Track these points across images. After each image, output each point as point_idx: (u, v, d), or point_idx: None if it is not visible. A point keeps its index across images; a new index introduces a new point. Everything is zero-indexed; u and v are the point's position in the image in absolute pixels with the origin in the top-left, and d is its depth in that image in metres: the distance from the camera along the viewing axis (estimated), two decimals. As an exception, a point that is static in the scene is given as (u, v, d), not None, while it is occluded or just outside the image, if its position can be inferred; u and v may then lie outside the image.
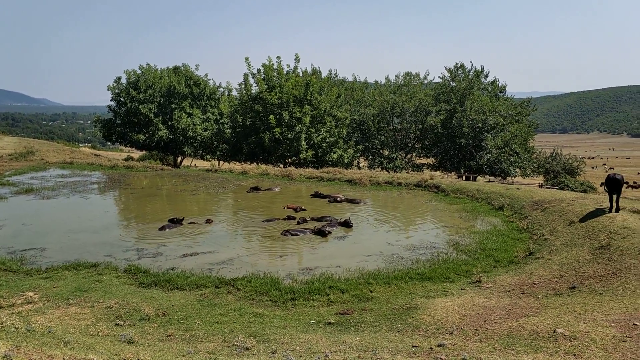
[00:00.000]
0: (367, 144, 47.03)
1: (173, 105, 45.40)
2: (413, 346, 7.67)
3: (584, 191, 37.52)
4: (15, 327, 7.06)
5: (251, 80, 42.06)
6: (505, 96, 50.83)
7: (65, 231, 17.11)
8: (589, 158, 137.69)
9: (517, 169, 46.13)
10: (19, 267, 13.09)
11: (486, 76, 50.22)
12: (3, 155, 36.53)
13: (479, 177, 44.02)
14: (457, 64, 49.64)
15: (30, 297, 10.60)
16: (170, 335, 8.65)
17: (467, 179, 39.44)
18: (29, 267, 13.10)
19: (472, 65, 49.60)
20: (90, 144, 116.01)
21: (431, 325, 8.89)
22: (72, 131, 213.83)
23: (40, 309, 9.95)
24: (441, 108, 47.22)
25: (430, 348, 7.50)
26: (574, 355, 6.71)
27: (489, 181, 39.95)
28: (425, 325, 8.95)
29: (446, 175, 34.83)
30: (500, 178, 45.55)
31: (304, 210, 20.33)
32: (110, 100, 46.69)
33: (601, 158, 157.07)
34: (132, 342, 7.83)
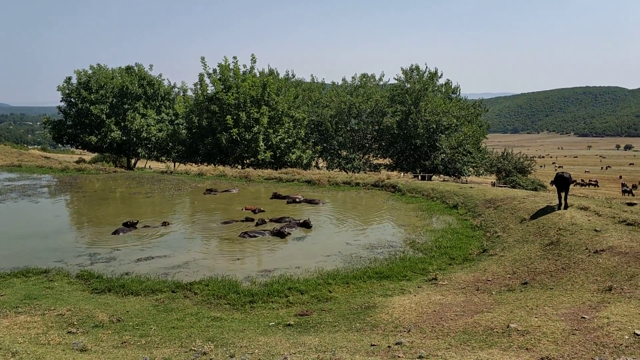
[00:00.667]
0: (325, 144, 47.25)
1: (126, 106, 44.30)
2: (371, 345, 7.74)
3: (535, 189, 38.90)
4: (-43, 339, 6.72)
5: (207, 80, 41.63)
6: (458, 97, 52.10)
7: (13, 237, 16.40)
8: (539, 157, 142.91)
9: (471, 169, 47.37)
10: (-37, 275, 12.47)
11: (440, 77, 51.35)
12: (-56, 159, 34.78)
13: (434, 177, 44.93)
14: (412, 65, 50.59)
15: (-25, 307, 10.11)
16: (125, 342, 8.43)
17: (423, 178, 40.20)
18: (-27, 276, 12.49)
19: (426, 67, 50.66)
20: (40, 146, 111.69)
21: (389, 324, 8.99)
22: (21, 133, 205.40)
23: (-14, 318, 9.50)
24: (397, 109, 47.97)
25: (389, 346, 7.59)
26: (527, 349, 6.93)
27: (444, 180, 40.83)
28: (384, 323, 9.04)
29: (402, 175, 35.42)
30: (454, 177, 46.64)
31: (263, 211, 20.23)
32: (61, 101, 45.20)
33: (551, 157, 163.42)
34: (85, 350, 7.59)
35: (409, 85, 49.07)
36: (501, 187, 31.48)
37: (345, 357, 7.02)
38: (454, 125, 46.09)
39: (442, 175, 46.83)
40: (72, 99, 44.18)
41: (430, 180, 37.25)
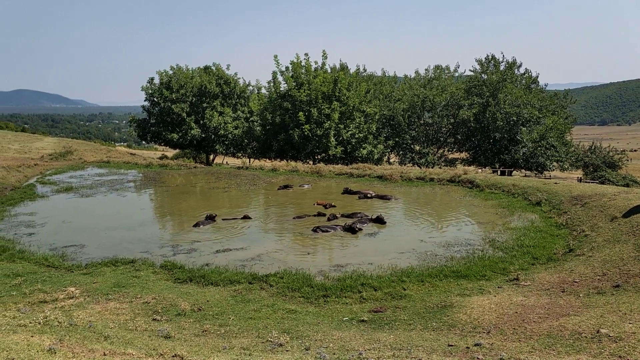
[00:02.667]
0: (397, 139, 46.58)
1: (205, 105, 45.99)
2: (449, 345, 7.56)
3: (627, 185, 36.35)
4: (58, 322, 7.27)
5: (280, 78, 42.31)
6: (539, 88, 49.56)
7: (103, 228, 17.55)
8: (631, 150, 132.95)
9: (555, 163, 44.96)
10: (61, 263, 13.49)
11: (519, 67, 49.08)
12: (44, 155, 37.70)
13: (514, 172, 43.12)
14: (488, 55, 48.67)
15: (72, 292, 10.91)
16: (205, 331, 8.77)
17: (502, 173, 38.68)
18: (70, 263, 13.49)
19: (503, 56, 48.56)
20: (126, 144, 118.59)
21: (467, 324, 8.74)
22: (109, 131, 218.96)
23: (81, 304, 10.22)
24: (473, 101, 46.37)
25: (467, 347, 7.38)
26: (620, 357, 6.48)
27: (525, 176, 39.09)
28: (461, 324, 8.81)
29: (480, 170, 34.14)
30: (536, 172, 44.52)
31: (334, 206, 20.31)
32: (144, 101, 47.64)
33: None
34: (169, 337, 7.97)
35: (485, 77, 47.33)
36: (589, 182, 29.65)
37: (422, 356, 6.89)
38: (535, 117, 43.91)
39: (523, 170, 44.83)
40: (155, 99, 46.50)
41: (510, 175, 35.81)
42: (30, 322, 7.01)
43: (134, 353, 5.96)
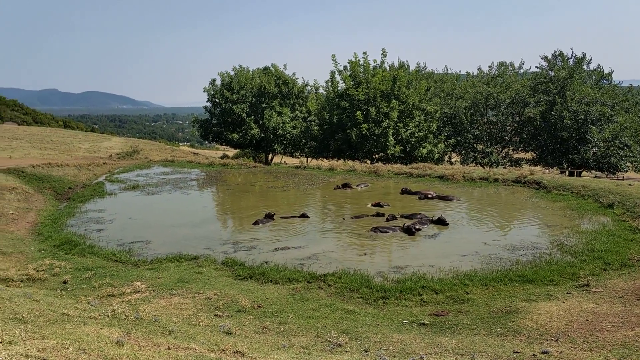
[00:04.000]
0: (459, 138, 45.44)
1: (264, 105, 46.73)
2: (514, 352, 7.27)
3: None
4: (125, 315, 7.55)
5: (337, 77, 42.28)
6: (611, 84, 46.91)
7: (168, 225, 18.16)
8: None
9: (629, 164, 42.40)
10: (128, 258, 14.08)
11: (589, 63, 46.67)
12: (112, 155, 39.55)
13: (584, 173, 41.06)
14: (555, 51, 46.57)
15: (138, 286, 11.35)
16: (265, 328, 8.86)
17: (571, 174, 36.94)
18: (136, 259, 14.05)
19: (572, 52, 46.31)
20: (189, 143, 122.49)
21: (534, 331, 8.38)
22: (172, 131, 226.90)
23: (147, 298, 10.61)
24: (540, 99, 44.49)
25: (534, 355, 7.07)
26: None
27: (596, 177, 37.13)
28: (527, 330, 8.45)
29: (547, 171, 32.65)
30: (608, 173, 42.19)
31: (388, 206, 20.08)
32: (207, 102, 48.97)
33: None
34: (231, 333, 8.10)
35: (552, 73, 45.32)
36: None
37: (486, 362, 6.64)
38: (607, 115, 41.59)
39: (593, 171, 42.60)
40: (217, 100, 47.72)
41: (579, 176, 34.13)
42: (100, 315, 7.31)
43: (197, 348, 6.08)
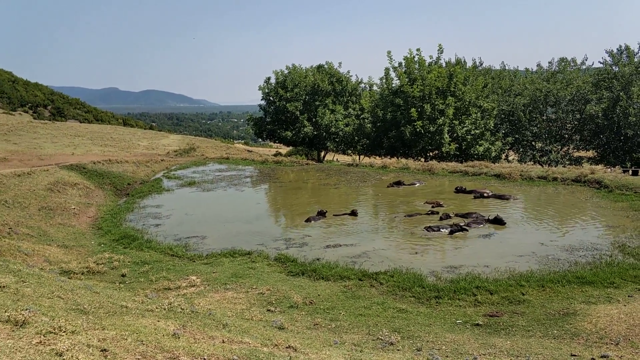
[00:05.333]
0: (517, 135, 44.05)
1: (317, 103, 46.98)
2: (572, 355, 7.06)
3: None
4: (181, 308, 7.83)
5: (392, 74, 41.87)
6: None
7: (222, 221, 18.65)
8: None
9: (701, 163, 39.83)
10: (184, 253, 14.58)
11: (658, 58, 44.10)
12: (169, 152, 40.88)
13: (649, 172, 38.89)
14: (620, 46, 44.26)
15: (193, 281, 11.74)
16: (317, 324, 8.97)
17: (635, 173, 34.98)
18: (192, 253, 14.53)
19: (639, 46, 43.90)
20: (243, 141, 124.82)
21: (592, 334, 8.08)
22: (228, 129, 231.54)
23: (202, 292, 10.96)
24: (602, 96, 42.45)
25: (592, 358, 6.84)
26: None
27: (663, 176, 35.08)
28: (586, 333, 8.16)
29: (609, 170, 31.09)
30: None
31: (442, 206, 19.72)
32: (261, 100, 49.73)
33: None
34: (283, 329, 8.26)
35: (617, 69, 43.12)
36: None
37: (543, 366, 6.47)
38: (676, 111, 39.24)
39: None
40: (271, 98, 48.37)
41: (644, 175, 32.27)
42: (157, 308, 7.61)
43: (250, 342, 6.25)
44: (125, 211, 20.72)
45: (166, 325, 6.34)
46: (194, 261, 13.83)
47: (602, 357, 6.89)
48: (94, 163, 28.90)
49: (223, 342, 6.00)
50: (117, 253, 14.68)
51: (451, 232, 15.68)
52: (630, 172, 35.31)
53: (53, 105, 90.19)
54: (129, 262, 13.77)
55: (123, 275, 12.59)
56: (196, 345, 5.50)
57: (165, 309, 7.72)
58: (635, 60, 42.90)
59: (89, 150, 36.62)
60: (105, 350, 4.73)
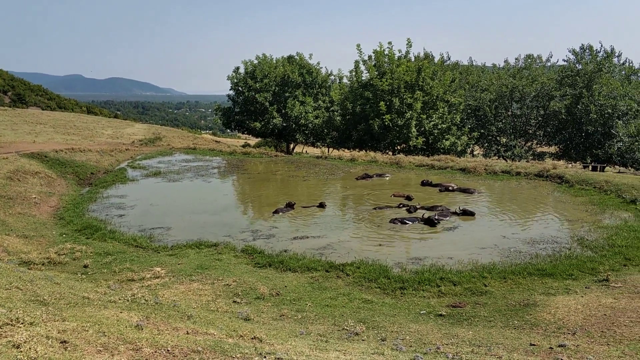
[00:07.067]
0: (482, 130, 44.91)
1: (287, 94, 46.75)
2: (531, 344, 7.28)
3: None
4: (145, 300, 7.73)
5: (362, 67, 42.01)
6: (640, 79, 45.80)
7: (188, 212, 18.43)
8: None
9: (655, 160, 41.49)
10: (148, 244, 14.36)
11: (618, 57, 45.60)
12: (134, 141, 40.08)
13: (607, 168, 40.28)
14: (583, 45, 45.57)
15: (158, 272, 11.58)
16: (283, 315, 8.99)
17: (594, 169, 36.27)
18: (156, 245, 14.32)
19: (601, 45, 45.26)
20: (211, 131, 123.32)
21: (551, 324, 8.36)
22: (195, 119, 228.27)
23: (167, 283, 10.83)
24: (566, 92, 43.71)
25: (550, 348, 7.06)
26: None
27: (620, 172, 36.38)
28: (545, 323, 8.44)
29: (570, 165, 32.18)
30: (632, 169, 41.33)
31: (412, 198, 20.00)
32: (230, 90, 49.13)
33: None
34: (249, 320, 8.24)
35: (580, 67, 44.42)
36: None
37: (502, 354, 6.66)
38: (634, 110, 40.69)
39: (617, 166, 41.77)
40: (240, 88, 47.82)
41: (602, 171, 33.49)
42: (120, 299, 7.49)
43: (215, 333, 6.21)
44: (88, 201, 20.25)
45: (129, 316, 6.24)
46: (159, 252, 13.64)
47: (559, 346, 7.12)
48: (56, 151, 28.10)
49: (187, 333, 5.95)
50: (80, 244, 14.35)
51: (431, 223, 15.91)
52: (591, 167, 36.55)
53: (13, 92, 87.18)
54: (91, 252, 13.48)
55: (85, 266, 12.33)
56: (160, 336, 5.44)
57: (128, 300, 7.60)
58: (598, 58, 44.24)
59: (51, 138, 35.57)
60: (65, 342, 4.64)
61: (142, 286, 10.42)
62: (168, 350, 5.00)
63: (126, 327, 5.57)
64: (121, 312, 6.44)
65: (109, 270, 11.96)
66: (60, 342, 4.60)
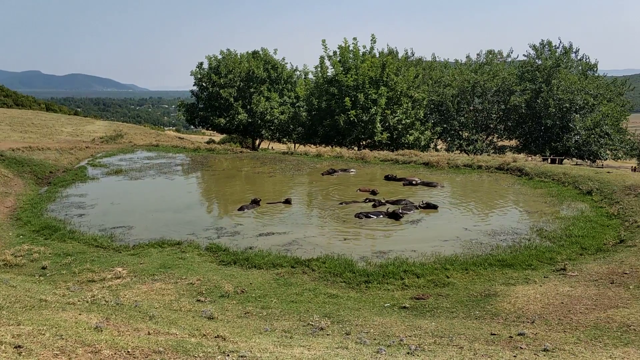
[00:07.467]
0: (445, 125, 45.68)
1: (252, 90, 46.39)
2: (492, 334, 7.45)
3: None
4: (105, 300, 7.57)
5: (327, 63, 42.04)
6: (596, 74, 47.44)
7: (151, 210, 18.11)
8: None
9: (608, 152, 43.13)
10: (109, 243, 14.04)
11: (576, 53, 47.13)
12: (95, 138, 39.08)
13: (565, 160, 41.62)
14: (543, 40, 46.90)
15: (119, 272, 11.34)
16: (248, 313, 8.94)
17: (553, 161, 37.38)
18: (118, 244, 14.01)
19: (560, 42, 46.67)
20: (174, 128, 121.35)
21: (511, 314, 8.59)
22: (158, 115, 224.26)
23: (128, 283, 10.62)
24: (526, 87, 44.89)
25: (510, 337, 7.25)
26: (671, 352, 6.21)
27: (577, 164, 37.65)
28: (505, 313, 8.66)
29: (530, 158, 33.02)
30: (589, 161, 42.81)
31: (377, 193, 20.19)
32: (193, 85, 48.42)
33: None
34: (213, 318, 8.17)
35: (539, 62, 45.71)
36: (645, 172, 28.25)
37: (464, 344, 6.80)
38: (590, 104, 42.15)
39: (574, 159, 43.21)
40: (204, 83, 47.16)
41: (561, 163, 34.54)
42: (79, 301, 7.32)
43: (177, 333, 6.14)
44: (46, 201, 19.65)
45: (88, 318, 6.11)
46: (120, 252, 13.36)
47: (519, 334, 7.33)
48: (13, 150, 27.20)
49: (149, 333, 5.86)
50: (38, 244, 13.92)
51: (396, 217, 16.08)
52: (549, 160, 37.64)
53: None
54: (50, 254, 13.09)
55: (44, 268, 11.96)
56: (120, 338, 5.34)
57: (88, 302, 7.44)
58: (557, 54, 45.60)
59: (8, 136, 34.38)
60: (19, 346, 4.50)
61: (103, 287, 10.20)
62: (128, 351, 4.92)
63: (85, 329, 5.45)
64: (80, 314, 6.29)
65: (69, 272, 11.64)
66: (14, 347, 4.46)
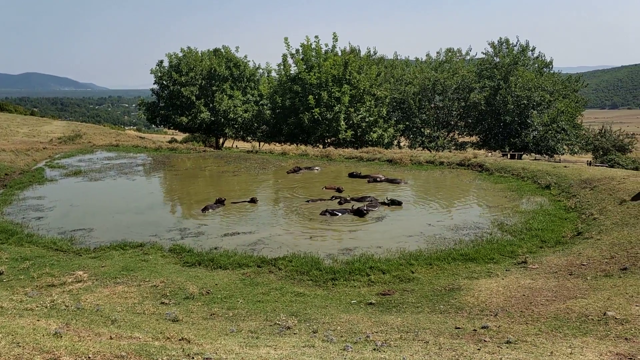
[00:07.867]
0: (407, 122, 46.26)
1: (214, 88, 45.85)
2: (456, 328, 7.56)
3: (636, 169, 35.83)
4: (65, 305, 7.33)
5: (290, 61, 41.96)
6: (551, 72, 48.95)
7: (112, 212, 17.65)
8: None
9: (565, 147, 44.55)
10: (69, 246, 13.59)
11: (532, 51, 48.48)
12: (53, 139, 37.90)
13: (524, 155, 42.77)
14: (501, 38, 48.06)
15: (80, 276, 11.00)
16: (213, 314, 8.82)
17: (512, 157, 38.37)
18: (78, 247, 13.58)
19: (517, 40, 47.91)
20: (135, 127, 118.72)
21: (475, 307, 8.74)
22: (118, 114, 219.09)
23: (89, 287, 10.31)
24: (485, 84, 45.92)
25: (474, 330, 7.37)
26: (626, 339, 6.44)
27: (535, 159, 38.74)
28: (469, 306, 8.80)
29: (490, 154, 33.90)
30: (547, 156, 44.12)
31: (342, 190, 20.29)
32: (154, 84, 47.51)
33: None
34: (177, 321, 8.02)
35: (498, 60, 46.84)
36: (598, 166, 29.34)
37: (429, 338, 6.88)
38: (546, 100, 43.47)
39: (533, 154, 44.45)
40: (164, 82, 46.36)
41: (520, 159, 35.49)
42: (37, 306, 7.07)
43: (140, 337, 6.00)
44: (2, 204, 18.88)
45: (47, 324, 5.90)
46: (81, 255, 12.95)
47: (482, 327, 7.46)
48: (-37, 152, 26.08)
49: (111, 338, 5.70)
50: (-7, 250, 13.36)
51: (360, 214, 16.15)
52: (509, 155, 38.62)
53: None
54: (6, 258, 12.57)
55: (0, 273, 11.49)
56: (80, 343, 5.18)
57: (47, 307, 7.19)
58: (514, 52, 46.79)
59: (-42, 138, 32.95)
60: (-28, 357, 4.31)
61: (63, 291, 9.87)
62: (89, 357, 4.78)
63: (43, 335, 5.26)
64: (38, 320, 6.07)
65: (27, 277, 11.21)
66: (-33, 358, 4.27)
